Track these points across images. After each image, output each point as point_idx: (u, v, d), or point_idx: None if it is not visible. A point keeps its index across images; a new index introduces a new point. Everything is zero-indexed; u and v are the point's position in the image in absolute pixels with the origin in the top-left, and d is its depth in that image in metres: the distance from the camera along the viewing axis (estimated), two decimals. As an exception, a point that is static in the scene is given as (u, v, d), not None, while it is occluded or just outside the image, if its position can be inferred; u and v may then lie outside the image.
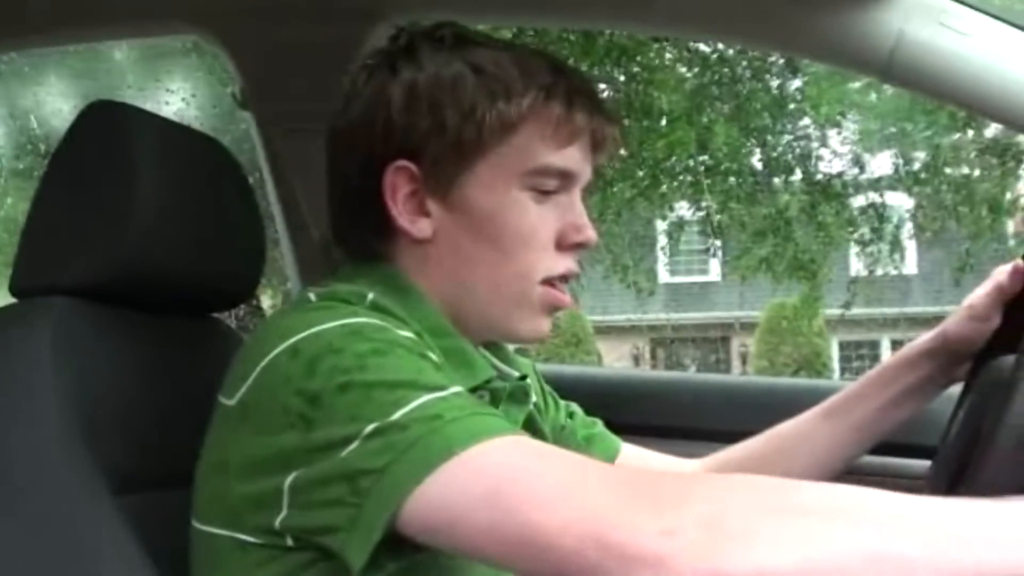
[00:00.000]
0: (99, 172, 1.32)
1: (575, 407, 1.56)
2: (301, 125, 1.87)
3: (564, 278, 1.29)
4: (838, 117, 9.42)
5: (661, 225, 11.75)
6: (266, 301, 7.82)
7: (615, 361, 16.12)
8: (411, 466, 0.99)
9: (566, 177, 1.27)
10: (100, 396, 1.26)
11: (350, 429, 1.01)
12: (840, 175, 9.92)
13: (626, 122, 8.63)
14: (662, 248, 11.96)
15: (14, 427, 1.21)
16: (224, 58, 2.00)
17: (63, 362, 1.24)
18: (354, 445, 1.01)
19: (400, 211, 1.24)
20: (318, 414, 1.03)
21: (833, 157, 9.97)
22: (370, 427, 1.01)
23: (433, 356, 1.13)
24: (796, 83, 9.30)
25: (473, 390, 1.22)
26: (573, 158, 1.26)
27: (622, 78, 8.43)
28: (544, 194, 1.25)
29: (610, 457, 1.52)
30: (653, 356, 16.76)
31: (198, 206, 1.38)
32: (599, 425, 1.56)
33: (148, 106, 1.50)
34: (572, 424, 1.52)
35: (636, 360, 16.58)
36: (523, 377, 1.36)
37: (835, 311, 15.10)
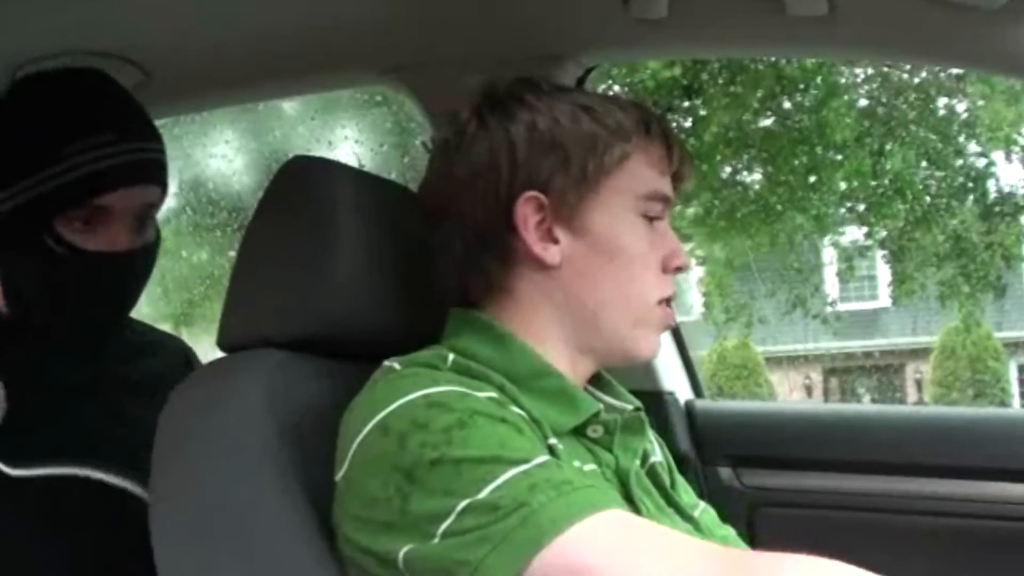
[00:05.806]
0: (301, 227, 1.33)
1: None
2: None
3: (669, 301, 1.35)
4: (1016, 136, 9.18)
5: (829, 252, 11.55)
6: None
7: (788, 393, 15.88)
8: (504, 559, 1.04)
9: (667, 203, 1.35)
10: (312, 445, 1.26)
11: (445, 504, 1.07)
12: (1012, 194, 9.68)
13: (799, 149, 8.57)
14: (837, 274, 11.74)
15: (231, 479, 1.23)
16: (413, 107, 2.02)
17: (277, 414, 1.25)
18: (449, 521, 1.06)
19: (532, 239, 1.29)
20: (413, 488, 1.09)
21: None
22: (462, 504, 1.06)
23: (517, 411, 1.19)
24: (966, 104, 9.10)
25: (584, 426, 1.28)
26: (669, 186, 1.36)
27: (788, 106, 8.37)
28: (650, 220, 1.33)
29: None
30: (826, 386, 16.47)
31: (397, 256, 1.38)
32: (730, 531, 1.51)
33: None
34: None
35: (808, 391, 16.32)
36: (637, 409, 1.37)
37: (1012, 334, 14.70)
